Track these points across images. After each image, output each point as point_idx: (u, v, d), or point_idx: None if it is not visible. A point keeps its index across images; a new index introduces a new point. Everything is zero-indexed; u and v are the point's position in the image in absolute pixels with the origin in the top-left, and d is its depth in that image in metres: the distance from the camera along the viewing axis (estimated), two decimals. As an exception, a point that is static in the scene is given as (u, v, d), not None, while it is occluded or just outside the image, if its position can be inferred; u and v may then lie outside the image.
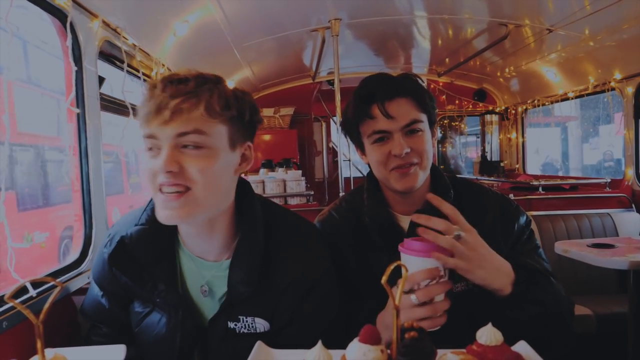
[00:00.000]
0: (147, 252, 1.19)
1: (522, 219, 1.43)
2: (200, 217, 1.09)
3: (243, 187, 1.23)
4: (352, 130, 1.41)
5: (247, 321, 1.18)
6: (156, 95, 1.02)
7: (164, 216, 1.07)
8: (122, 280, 1.23)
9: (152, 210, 1.18)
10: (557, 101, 4.83)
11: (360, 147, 1.43)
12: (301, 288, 1.18)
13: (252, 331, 1.18)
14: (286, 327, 1.19)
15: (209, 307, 1.22)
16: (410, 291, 1.03)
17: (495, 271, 1.12)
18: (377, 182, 1.46)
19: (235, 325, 1.18)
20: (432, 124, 1.38)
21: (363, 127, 1.36)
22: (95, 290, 1.31)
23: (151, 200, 1.20)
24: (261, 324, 1.18)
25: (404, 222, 1.41)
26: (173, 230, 1.23)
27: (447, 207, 1.10)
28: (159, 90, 1.02)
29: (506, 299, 1.13)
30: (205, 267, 1.22)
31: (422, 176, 1.34)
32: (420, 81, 1.38)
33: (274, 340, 1.13)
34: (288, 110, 5.68)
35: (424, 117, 1.33)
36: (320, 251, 1.26)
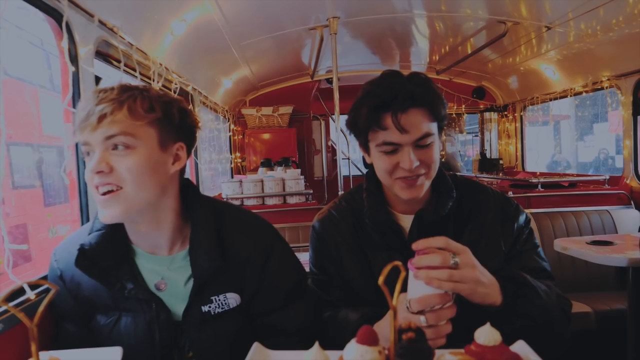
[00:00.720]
0: (108, 255, 1.21)
1: (522, 218, 1.42)
2: (135, 213, 1.14)
3: (187, 186, 1.30)
4: (360, 135, 1.35)
5: (219, 300, 1.23)
6: (86, 106, 1.09)
7: (103, 215, 1.13)
8: (81, 296, 1.24)
9: None
10: (555, 98, 4.83)
11: (366, 149, 1.38)
12: (260, 257, 1.26)
13: (225, 308, 1.23)
14: (254, 295, 1.26)
15: (174, 301, 1.24)
16: (420, 312, 1.03)
17: (492, 286, 1.12)
18: (377, 181, 1.43)
19: (209, 307, 1.22)
20: (440, 129, 1.34)
21: (372, 135, 1.31)
22: (60, 325, 1.30)
23: None
24: (233, 298, 1.25)
25: (404, 221, 1.40)
26: (126, 233, 1.26)
27: (436, 242, 1.07)
28: (89, 101, 1.10)
29: (494, 312, 1.13)
30: (160, 262, 1.25)
31: (427, 184, 1.32)
32: (436, 86, 1.31)
33: (247, 313, 1.25)
34: (287, 109, 5.67)
35: (435, 127, 1.28)
36: (264, 223, 1.35)
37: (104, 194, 1.09)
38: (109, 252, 1.21)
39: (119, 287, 1.20)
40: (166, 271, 1.25)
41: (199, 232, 1.23)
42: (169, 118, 1.16)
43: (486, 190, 1.46)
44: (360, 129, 1.33)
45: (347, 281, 1.41)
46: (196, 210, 1.26)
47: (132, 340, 1.21)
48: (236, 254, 1.25)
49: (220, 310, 1.23)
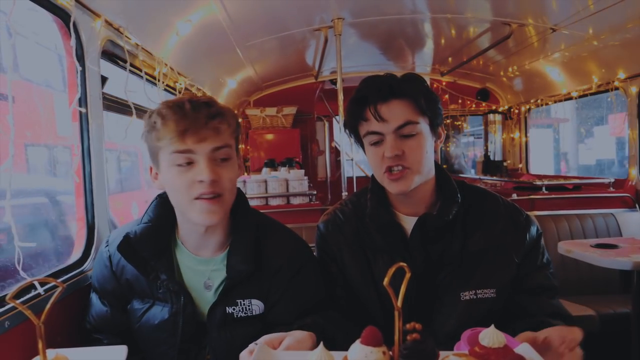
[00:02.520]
0: (149, 247, 1.30)
1: (533, 230, 1.41)
2: (223, 217, 1.27)
3: (239, 196, 1.37)
4: (351, 131, 1.42)
5: (244, 304, 1.29)
6: (189, 114, 1.17)
7: (207, 219, 1.22)
8: (123, 279, 1.35)
9: (154, 211, 1.36)
10: (560, 100, 4.81)
11: (362, 147, 1.43)
12: (291, 269, 1.33)
13: (248, 314, 1.29)
14: (275, 305, 1.32)
15: (206, 300, 1.32)
16: None
17: None
18: None
19: (233, 309, 1.28)
20: (435, 126, 1.35)
21: (360, 128, 1.38)
22: (95, 297, 1.40)
23: (152, 202, 1.38)
24: (257, 305, 1.30)
25: (406, 222, 1.40)
26: (172, 229, 1.37)
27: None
28: (190, 110, 1.17)
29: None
30: (203, 263, 1.34)
31: (417, 180, 1.32)
32: (423, 82, 1.35)
33: (267, 323, 1.30)
34: (291, 110, 5.68)
35: (422, 120, 1.31)
36: (302, 241, 1.43)
37: (210, 200, 1.19)
38: (151, 243, 1.30)
39: (153, 277, 1.28)
40: (209, 272, 1.32)
41: (239, 238, 1.32)
42: (239, 131, 1.30)
43: (496, 199, 1.45)
44: (350, 125, 1.40)
45: (349, 282, 1.42)
46: (242, 219, 1.35)
47: (157, 328, 1.29)
48: (269, 264, 1.32)
49: (242, 314, 1.29)
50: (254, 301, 1.30)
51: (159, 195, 1.39)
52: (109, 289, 1.37)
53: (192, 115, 1.17)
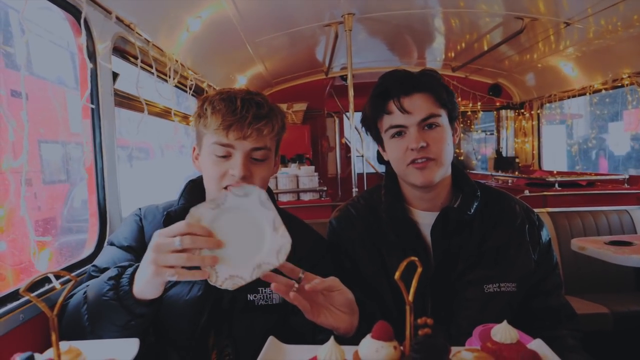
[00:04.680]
0: None
1: (546, 229, 1.46)
2: None
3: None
4: (371, 127, 1.42)
5: (265, 292, 1.30)
6: (238, 111, 1.21)
7: None
8: None
9: (189, 193, 1.39)
10: (574, 96, 4.76)
11: (380, 143, 1.43)
12: (312, 259, 1.35)
13: (269, 302, 1.31)
14: None
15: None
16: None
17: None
18: (395, 178, 1.46)
19: (255, 297, 1.30)
20: (452, 120, 1.37)
21: (381, 123, 1.38)
22: (115, 249, 1.36)
23: (185, 186, 1.41)
24: (277, 294, 1.27)
25: (421, 218, 1.41)
26: None
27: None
28: (240, 108, 1.22)
29: None
30: None
31: (441, 172, 1.33)
32: (440, 77, 1.37)
33: (284, 311, 1.30)
34: (301, 106, 5.68)
35: (442, 113, 1.33)
36: (320, 235, 1.48)
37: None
38: None
39: None
40: None
41: None
42: (283, 132, 1.35)
43: (511, 198, 1.49)
44: (369, 120, 1.40)
45: (362, 277, 1.42)
46: None
47: (185, 304, 1.27)
48: (292, 252, 1.30)
49: (263, 302, 1.30)
50: None
51: (191, 180, 1.44)
52: (139, 246, 1.34)
53: (241, 112, 1.21)
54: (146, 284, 1.06)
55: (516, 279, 1.36)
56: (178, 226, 1.01)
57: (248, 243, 1.05)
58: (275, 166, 1.38)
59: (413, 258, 0.79)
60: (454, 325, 1.33)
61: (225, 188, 1.23)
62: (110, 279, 1.10)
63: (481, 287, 1.34)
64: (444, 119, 1.33)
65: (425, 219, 1.40)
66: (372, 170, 6.93)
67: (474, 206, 1.37)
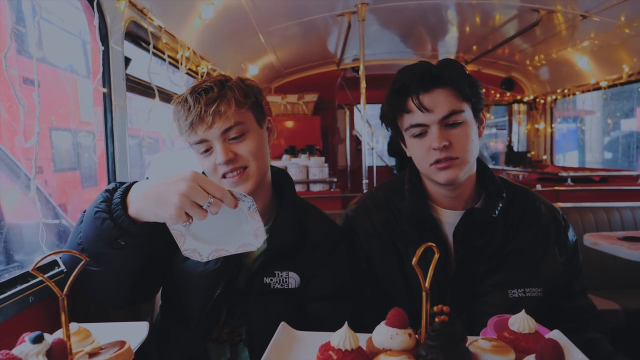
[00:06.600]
0: None
1: (571, 232, 1.41)
2: (259, 184, 1.30)
3: (283, 174, 1.46)
4: (390, 124, 1.36)
5: (281, 276, 1.31)
6: (192, 107, 1.22)
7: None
8: None
9: None
10: (588, 90, 4.69)
11: (402, 139, 1.38)
12: (328, 245, 1.36)
13: (284, 286, 1.31)
14: (312, 279, 1.33)
15: (245, 269, 1.34)
16: None
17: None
18: (419, 173, 1.41)
19: (271, 280, 1.30)
20: (477, 112, 1.30)
21: (401, 122, 1.32)
22: None
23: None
24: (293, 279, 1.32)
25: (445, 216, 1.36)
26: None
27: None
28: (193, 103, 1.22)
29: None
30: None
31: (465, 170, 1.27)
32: (462, 68, 1.30)
33: (301, 298, 1.31)
34: (312, 97, 5.65)
35: (466, 107, 1.26)
36: (336, 223, 1.48)
37: (234, 177, 1.24)
38: None
39: None
40: None
41: (284, 210, 1.37)
42: (257, 99, 1.31)
43: (537, 197, 1.44)
44: (389, 117, 1.34)
45: (374, 272, 1.40)
46: (288, 194, 1.41)
47: (195, 275, 1.28)
48: (310, 239, 1.36)
49: (279, 286, 1.30)
50: (291, 274, 1.32)
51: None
52: (158, 235, 1.33)
53: (195, 107, 1.22)
54: (153, 204, 1.03)
55: (542, 284, 1.31)
56: (217, 187, 1.01)
57: (228, 227, 1.10)
58: (270, 131, 1.38)
59: (430, 244, 0.77)
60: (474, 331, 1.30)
61: (224, 177, 1.25)
62: (106, 191, 1.13)
63: (505, 293, 1.29)
64: (467, 114, 1.26)
65: (449, 218, 1.35)
66: (382, 164, 6.90)
67: (499, 208, 1.31)
